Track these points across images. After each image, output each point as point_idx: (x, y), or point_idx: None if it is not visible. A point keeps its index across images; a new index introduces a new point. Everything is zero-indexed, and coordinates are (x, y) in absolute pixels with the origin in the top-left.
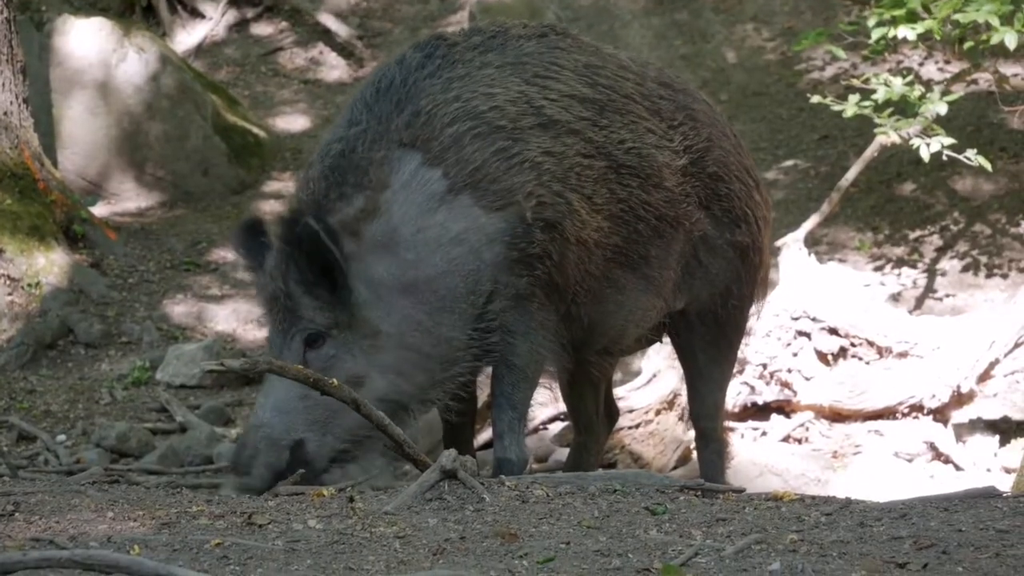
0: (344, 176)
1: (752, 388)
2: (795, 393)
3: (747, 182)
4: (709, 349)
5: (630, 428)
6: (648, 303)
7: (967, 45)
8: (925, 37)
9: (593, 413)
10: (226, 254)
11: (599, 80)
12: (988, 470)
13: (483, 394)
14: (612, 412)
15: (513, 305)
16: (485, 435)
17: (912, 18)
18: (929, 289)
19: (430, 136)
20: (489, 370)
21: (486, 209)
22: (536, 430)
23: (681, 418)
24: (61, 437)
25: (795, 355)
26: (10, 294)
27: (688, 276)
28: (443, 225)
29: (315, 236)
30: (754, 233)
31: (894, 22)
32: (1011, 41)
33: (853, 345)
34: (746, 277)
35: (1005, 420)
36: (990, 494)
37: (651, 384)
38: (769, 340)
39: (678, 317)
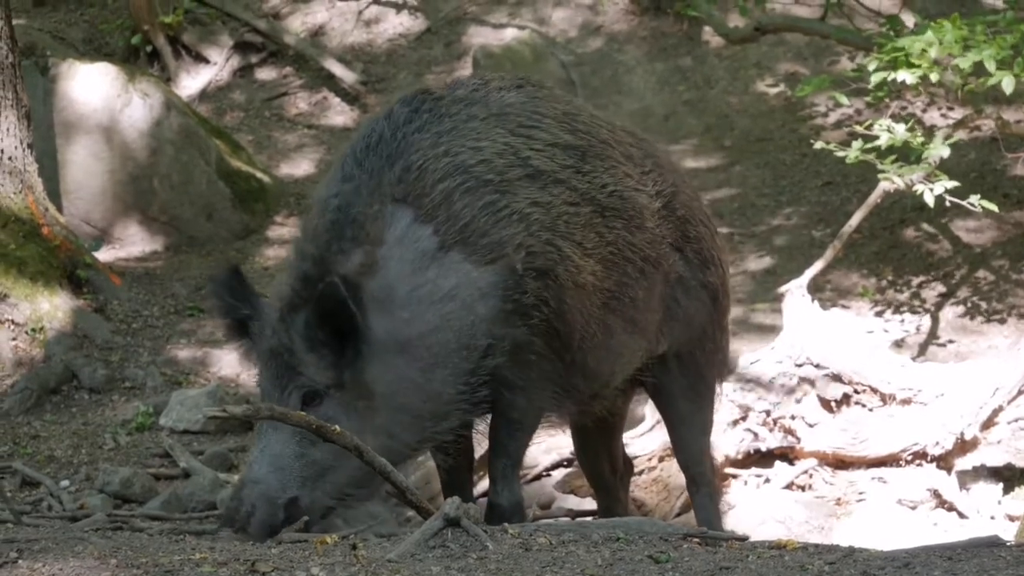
0: (342, 230)
1: (755, 435)
2: (798, 440)
3: (709, 227)
4: (689, 394)
5: (633, 475)
6: (635, 345)
7: (967, 87)
8: (928, 84)
9: (610, 474)
10: None
11: (578, 127)
12: (992, 518)
13: (480, 447)
14: (627, 465)
15: (511, 358)
16: (483, 485)
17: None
18: (932, 335)
19: (422, 192)
20: (487, 420)
21: (476, 264)
22: (539, 477)
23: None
24: (65, 483)
25: (798, 402)
26: (14, 339)
27: (670, 318)
28: (435, 282)
29: (340, 299)
30: (721, 275)
31: (895, 66)
32: (1008, 86)
33: (856, 392)
34: (717, 319)
35: (1009, 467)
36: (994, 543)
37: (654, 431)
38: (772, 387)
39: (657, 364)
